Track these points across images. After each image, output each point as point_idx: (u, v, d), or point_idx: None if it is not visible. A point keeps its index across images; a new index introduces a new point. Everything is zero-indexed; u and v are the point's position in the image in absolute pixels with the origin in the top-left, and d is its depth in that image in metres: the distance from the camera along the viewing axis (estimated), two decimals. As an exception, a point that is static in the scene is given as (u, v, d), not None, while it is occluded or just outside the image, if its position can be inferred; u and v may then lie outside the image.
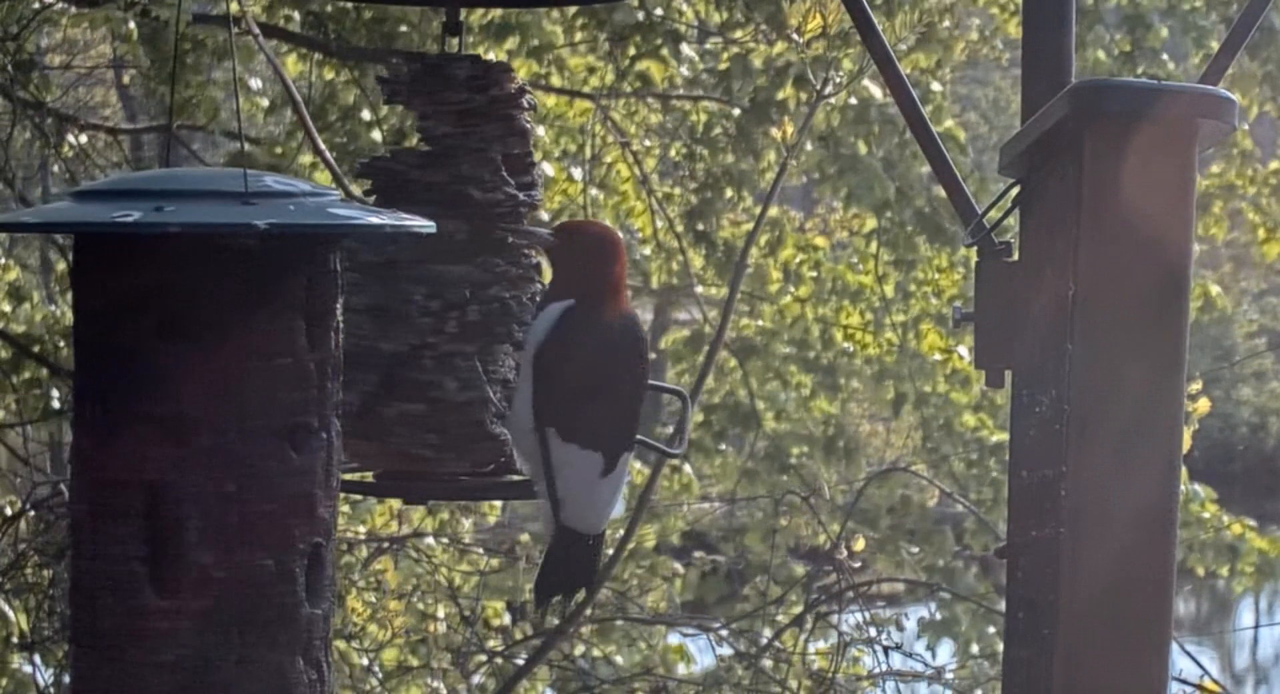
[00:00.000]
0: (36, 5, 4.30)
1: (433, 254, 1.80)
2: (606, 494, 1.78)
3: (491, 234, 1.82)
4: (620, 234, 1.89)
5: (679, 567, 5.79)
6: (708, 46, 5.40)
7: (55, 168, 5.30)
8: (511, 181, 1.82)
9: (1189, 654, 4.85)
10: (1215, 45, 5.38)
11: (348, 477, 1.87)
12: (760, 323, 6.04)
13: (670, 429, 4.84)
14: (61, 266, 5.32)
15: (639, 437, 1.86)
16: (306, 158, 5.03)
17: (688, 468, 6.03)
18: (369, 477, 1.90)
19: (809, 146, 5.28)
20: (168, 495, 1.37)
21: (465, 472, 1.83)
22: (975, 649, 5.35)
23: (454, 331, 1.81)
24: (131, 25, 4.22)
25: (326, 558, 1.42)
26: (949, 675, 5.16)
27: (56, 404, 4.71)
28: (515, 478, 1.84)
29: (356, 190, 3.35)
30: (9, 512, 4.65)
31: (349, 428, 1.82)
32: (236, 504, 1.38)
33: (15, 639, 4.45)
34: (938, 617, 5.43)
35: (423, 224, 1.48)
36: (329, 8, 4.98)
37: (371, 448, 1.82)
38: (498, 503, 5.24)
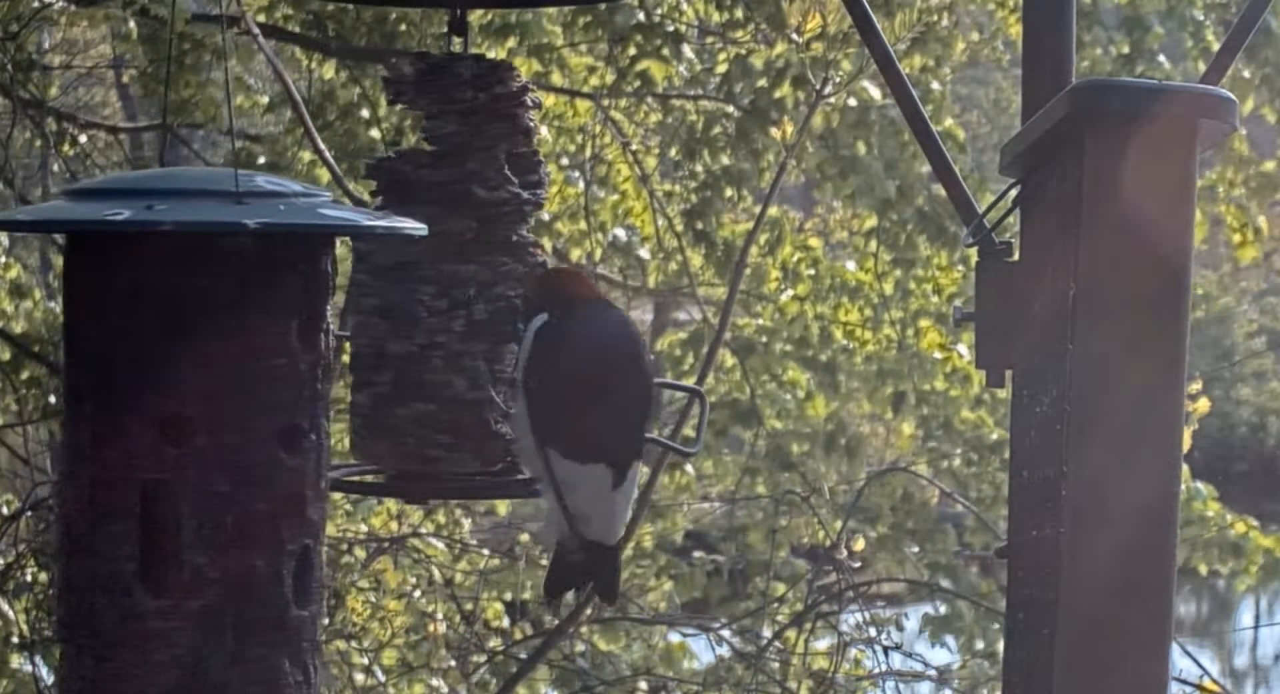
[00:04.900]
0: (36, 4, 4.30)
1: (440, 253, 1.80)
2: (620, 506, 1.75)
3: (497, 233, 1.83)
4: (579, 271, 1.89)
5: (674, 568, 5.79)
6: (706, 43, 5.40)
7: (55, 167, 5.30)
8: (515, 180, 1.83)
9: (1189, 654, 4.85)
10: (1211, 38, 5.39)
11: (352, 477, 1.87)
12: (760, 322, 6.04)
13: (671, 427, 4.83)
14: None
15: (654, 437, 1.84)
16: (306, 155, 5.03)
17: (689, 467, 6.03)
18: (369, 477, 1.89)
19: (809, 147, 5.29)
20: (162, 495, 1.37)
21: (476, 471, 1.83)
22: (980, 645, 5.35)
23: (461, 330, 1.81)
24: (131, 24, 4.22)
25: (315, 560, 1.42)
26: (951, 674, 5.17)
27: (56, 403, 4.71)
28: (522, 476, 1.83)
29: (355, 189, 3.36)
30: (8, 511, 4.65)
31: (363, 429, 1.83)
32: (229, 504, 1.38)
33: (15, 639, 4.45)
34: (942, 611, 5.42)
35: (415, 226, 1.48)
36: (329, 7, 4.98)
37: (385, 448, 1.82)
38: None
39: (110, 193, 1.39)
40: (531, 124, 1.86)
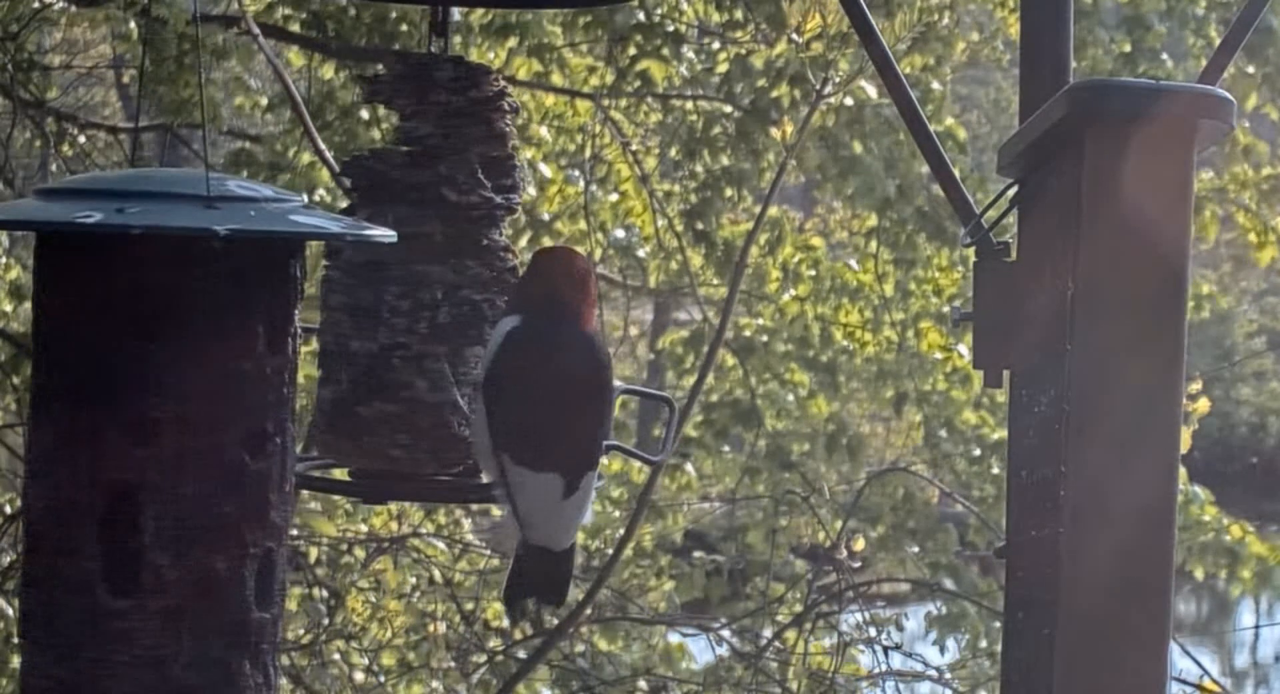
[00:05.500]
0: (36, 4, 4.30)
1: (408, 254, 1.80)
2: (570, 515, 1.76)
3: (467, 236, 1.82)
4: (586, 261, 1.88)
5: (674, 568, 5.79)
6: (706, 43, 5.40)
7: (55, 167, 5.30)
8: (488, 184, 1.82)
9: (1189, 654, 4.85)
10: (1214, 35, 5.39)
11: (317, 474, 1.87)
12: (761, 322, 6.04)
13: (672, 430, 4.83)
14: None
15: (618, 444, 1.85)
16: (306, 156, 5.03)
17: (689, 467, 6.03)
18: (338, 473, 1.89)
19: (810, 147, 5.28)
20: (126, 496, 1.38)
21: (435, 472, 1.83)
22: (984, 644, 5.35)
23: (425, 332, 1.80)
24: (131, 24, 4.22)
25: (277, 563, 1.42)
26: (949, 675, 5.16)
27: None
28: (480, 481, 1.84)
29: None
30: (9, 511, 4.65)
31: (325, 424, 1.82)
32: (194, 507, 1.38)
33: (16, 639, 4.45)
34: (943, 611, 5.42)
35: (384, 233, 1.48)
36: (329, 6, 4.98)
37: (347, 446, 1.82)
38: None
39: (83, 193, 1.39)
40: (508, 128, 1.85)
